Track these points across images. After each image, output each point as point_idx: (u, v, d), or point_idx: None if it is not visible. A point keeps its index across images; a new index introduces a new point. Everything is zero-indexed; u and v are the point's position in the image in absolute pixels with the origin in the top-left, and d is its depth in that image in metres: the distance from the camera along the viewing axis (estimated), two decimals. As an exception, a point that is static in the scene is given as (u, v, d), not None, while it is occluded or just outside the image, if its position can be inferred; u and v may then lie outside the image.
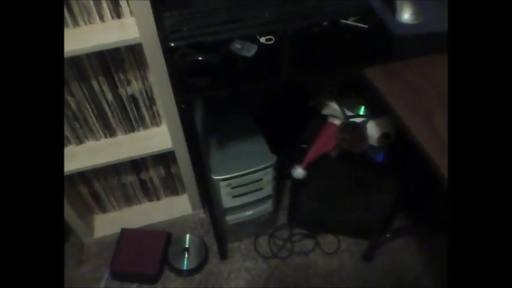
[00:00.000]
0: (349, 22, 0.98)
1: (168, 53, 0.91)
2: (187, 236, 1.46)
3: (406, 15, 0.96)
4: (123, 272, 1.37)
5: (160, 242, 1.43)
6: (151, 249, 1.42)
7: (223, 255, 1.43)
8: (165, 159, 1.39)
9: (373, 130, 1.14)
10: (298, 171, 1.18)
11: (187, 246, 1.44)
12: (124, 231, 1.45)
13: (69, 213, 1.32)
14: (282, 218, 1.54)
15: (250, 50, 0.89)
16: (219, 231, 1.34)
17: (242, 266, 1.42)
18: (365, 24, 0.97)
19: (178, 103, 1.08)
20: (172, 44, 0.88)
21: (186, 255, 1.42)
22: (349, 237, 1.48)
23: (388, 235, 1.44)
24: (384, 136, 1.14)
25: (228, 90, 0.89)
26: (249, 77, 0.87)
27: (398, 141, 1.15)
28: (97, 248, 1.48)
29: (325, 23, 0.97)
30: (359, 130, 1.12)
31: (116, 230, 1.46)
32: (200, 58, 0.86)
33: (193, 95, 0.87)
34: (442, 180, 0.67)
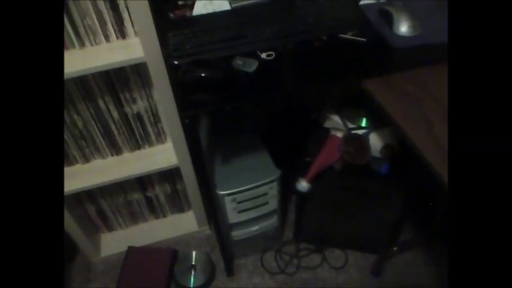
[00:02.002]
0: (348, 36, 1.00)
1: (172, 71, 0.93)
2: (194, 253, 1.46)
3: (403, 28, 0.98)
4: (130, 290, 1.37)
5: (167, 259, 1.43)
6: (157, 267, 1.41)
7: (230, 271, 1.43)
8: (170, 175, 1.40)
9: (375, 141, 1.15)
10: (303, 184, 1.19)
11: (193, 263, 1.43)
12: (130, 250, 1.46)
13: (76, 232, 1.33)
14: (288, 233, 1.53)
15: (252, 66, 0.92)
16: (226, 248, 1.33)
17: (249, 283, 1.41)
18: (363, 37, 0.99)
19: (182, 118, 1.10)
20: (176, 62, 0.91)
21: (193, 273, 1.41)
22: (356, 252, 1.47)
23: (395, 248, 1.43)
24: (386, 147, 1.14)
25: (231, 105, 0.90)
26: (251, 92, 0.89)
27: (402, 152, 1.15)
28: (104, 267, 1.48)
29: (325, 38, 1.00)
30: (361, 141, 1.13)
31: (122, 248, 1.47)
32: (203, 74, 0.88)
33: (197, 109, 0.89)
34: (445, 190, 0.67)
